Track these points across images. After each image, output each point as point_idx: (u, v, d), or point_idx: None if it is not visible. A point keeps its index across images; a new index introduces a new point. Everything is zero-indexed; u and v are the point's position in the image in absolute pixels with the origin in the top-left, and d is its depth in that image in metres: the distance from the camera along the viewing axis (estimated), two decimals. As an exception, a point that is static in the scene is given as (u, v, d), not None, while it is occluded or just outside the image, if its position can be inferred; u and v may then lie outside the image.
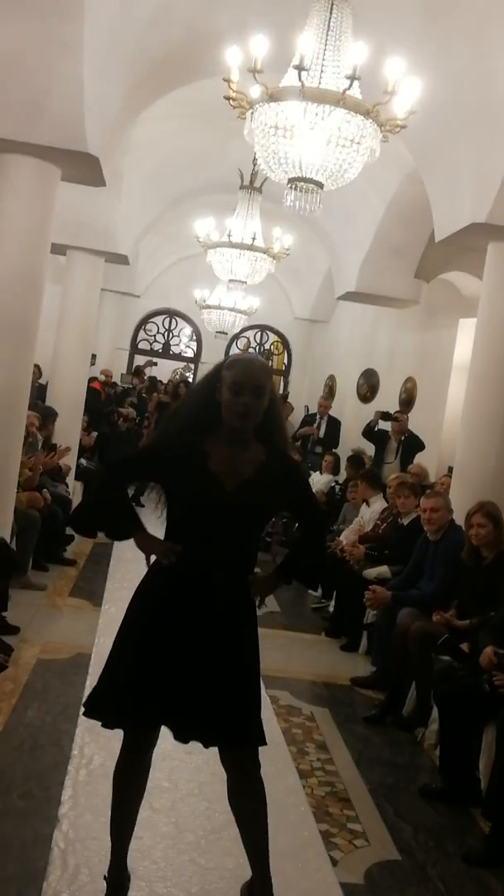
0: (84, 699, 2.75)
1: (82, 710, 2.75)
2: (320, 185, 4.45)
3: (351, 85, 4.02)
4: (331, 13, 4.20)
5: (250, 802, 2.67)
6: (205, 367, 15.83)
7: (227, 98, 4.44)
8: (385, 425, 9.53)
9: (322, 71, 4.22)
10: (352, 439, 10.61)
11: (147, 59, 5.81)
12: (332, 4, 4.21)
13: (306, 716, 4.75)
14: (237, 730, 2.61)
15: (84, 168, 5.79)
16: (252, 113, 4.39)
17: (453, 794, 3.89)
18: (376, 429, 9.55)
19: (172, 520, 2.71)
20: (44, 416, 7.87)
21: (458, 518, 5.33)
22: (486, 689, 3.85)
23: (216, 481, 2.58)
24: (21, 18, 4.93)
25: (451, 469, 7.28)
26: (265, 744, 2.65)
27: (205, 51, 5.87)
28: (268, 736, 4.08)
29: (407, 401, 10.73)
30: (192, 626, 2.58)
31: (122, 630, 2.70)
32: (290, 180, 4.46)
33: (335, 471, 9.63)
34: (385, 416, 9.52)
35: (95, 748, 3.88)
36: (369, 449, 9.79)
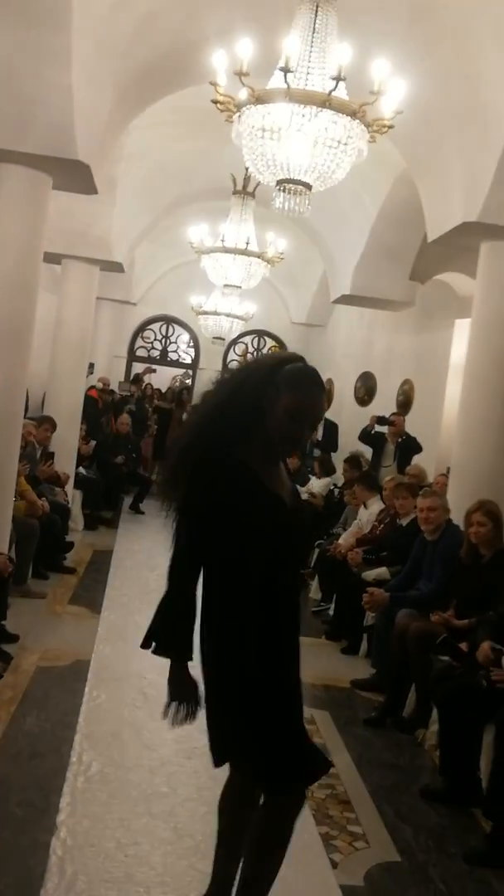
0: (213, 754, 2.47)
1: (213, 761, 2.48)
2: (308, 187, 4.46)
3: (337, 86, 4.03)
4: (316, 15, 4.22)
5: (275, 838, 2.46)
6: (204, 374, 15.86)
7: (215, 101, 4.44)
8: (382, 429, 9.53)
9: (308, 73, 4.23)
10: (350, 443, 10.60)
11: (136, 66, 5.83)
12: (317, 6, 4.23)
13: (307, 718, 4.68)
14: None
15: (75, 176, 5.80)
16: (239, 116, 4.39)
17: (454, 795, 3.87)
18: (373, 432, 9.55)
19: (230, 563, 2.30)
20: (39, 423, 7.88)
21: (457, 518, 5.32)
22: (483, 685, 3.84)
23: (278, 501, 2.31)
24: (9, 27, 4.94)
25: (449, 469, 7.27)
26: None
27: (193, 57, 5.89)
28: None
29: (404, 403, 10.72)
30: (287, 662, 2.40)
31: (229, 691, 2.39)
32: (279, 182, 4.47)
33: (328, 472, 9.61)
34: (381, 420, 9.52)
35: (94, 754, 3.87)
36: (367, 452, 9.78)
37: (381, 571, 5.98)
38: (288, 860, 3.17)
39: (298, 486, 8.92)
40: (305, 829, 3.48)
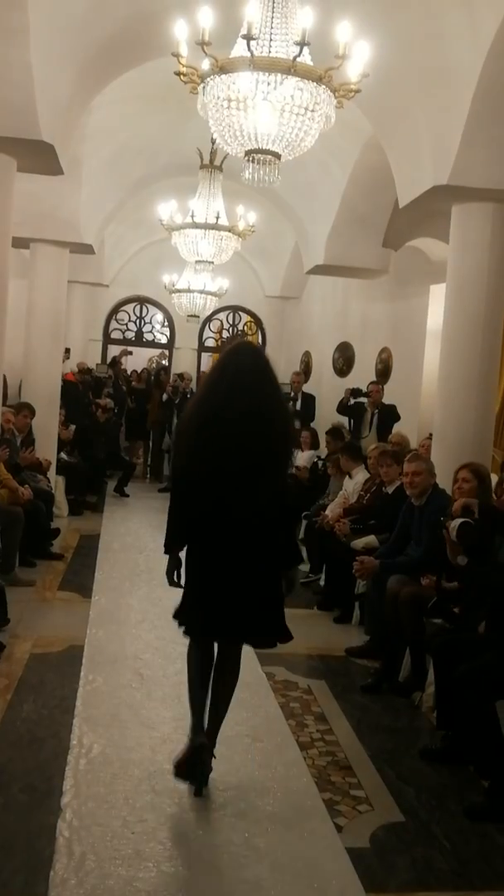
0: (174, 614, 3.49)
1: (177, 625, 3.48)
2: (277, 156, 4.40)
3: (301, 51, 3.98)
4: (275, -20, 4.15)
5: (226, 676, 3.53)
6: (179, 353, 15.77)
7: (178, 73, 4.37)
8: (361, 398, 9.56)
9: (271, 39, 4.16)
10: (330, 414, 10.61)
11: (95, 41, 5.73)
12: (277, -29, 4.16)
13: (303, 689, 4.77)
14: (269, 632, 3.51)
15: (40, 157, 5.72)
16: (204, 87, 4.33)
17: (452, 753, 3.91)
18: (349, 404, 9.60)
19: None
20: (17, 410, 7.82)
21: (441, 482, 5.34)
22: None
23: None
24: (-38, 7, 4.84)
25: (431, 435, 7.29)
26: (292, 638, 3.57)
27: (153, 29, 5.79)
28: (266, 712, 4.21)
29: (383, 371, 10.73)
30: None
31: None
32: (247, 153, 4.41)
33: (314, 445, 9.65)
34: (355, 392, 9.55)
35: (94, 737, 3.88)
36: (347, 424, 9.82)
37: (370, 539, 6.00)
38: (293, 827, 3.21)
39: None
40: (308, 796, 3.52)
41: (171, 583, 3.50)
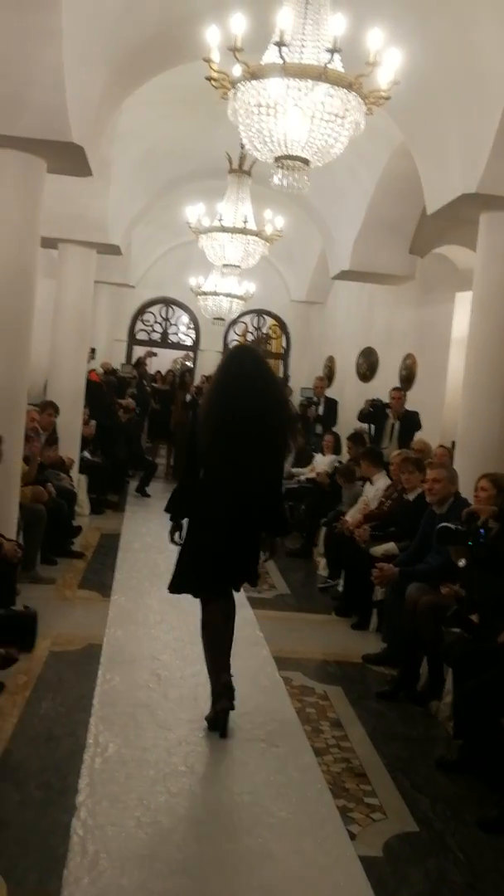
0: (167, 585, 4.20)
1: (168, 590, 4.20)
2: (307, 162, 4.41)
3: (332, 58, 3.98)
4: (308, -14, 4.16)
5: (231, 620, 4.17)
6: (204, 355, 15.83)
7: (209, 79, 4.39)
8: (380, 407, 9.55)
9: (303, 46, 4.17)
10: (352, 419, 10.59)
11: (126, 44, 5.76)
12: (309, -23, 4.17)
13: (319, 695, 4.76)
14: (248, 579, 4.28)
15: (69, 158, 5.75)
16: (234, 92, 4.34)
17: (469, 764, 3.89)
18: (368, 411, 9.59)
19: None
20: (42, 408, 7.88)
21: (464, 491, 5.31)
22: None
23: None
24: (-3, 9, 4.89)
25: (454, 444, 7.26)
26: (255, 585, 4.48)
27: (185, 33, 5.82)
28: (282, 717, 4.38)
29: (407, 378, 10.69)
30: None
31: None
32: (277, 159, 4.42)
33: (336, 450, 9.64)
34: (375, 403, 9.51)
35: (110, 736, 3.90)
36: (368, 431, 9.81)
37: (389, 547, 5.98)
38: (307, 833, 3.21)
39: (297, 468, 9.30)
40: (322, 802, 3.51)
41: (173, 541, 4.21)
